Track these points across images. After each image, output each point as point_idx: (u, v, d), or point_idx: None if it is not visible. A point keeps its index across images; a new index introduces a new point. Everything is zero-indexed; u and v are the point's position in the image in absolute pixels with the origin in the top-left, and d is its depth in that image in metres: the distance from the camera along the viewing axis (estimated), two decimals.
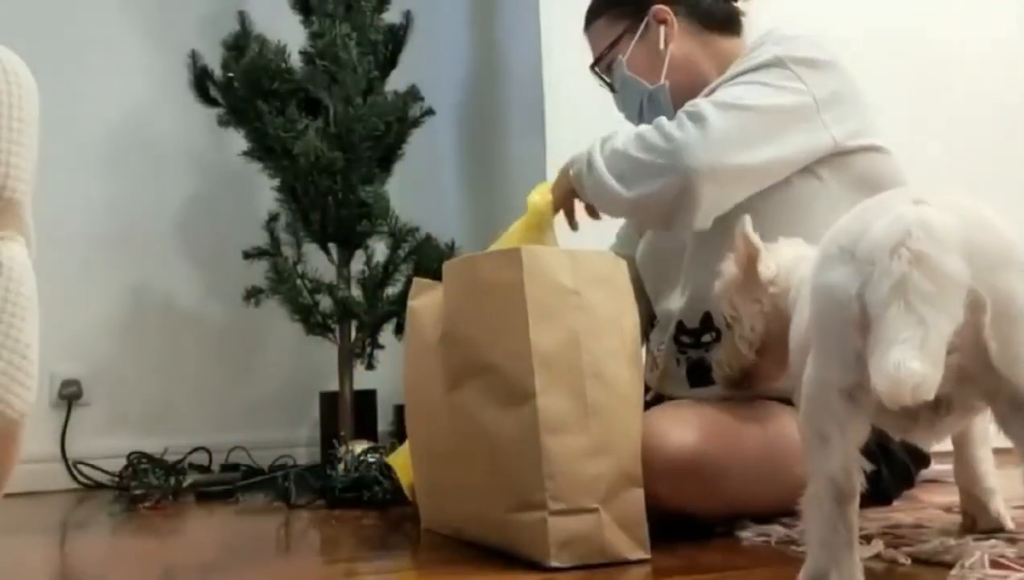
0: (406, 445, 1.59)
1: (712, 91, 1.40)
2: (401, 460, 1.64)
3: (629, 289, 1.26)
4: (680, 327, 1.49)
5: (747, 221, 1.19)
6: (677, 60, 1.53)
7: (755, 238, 1.18)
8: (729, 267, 1.22)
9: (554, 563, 1.10)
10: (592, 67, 1.62)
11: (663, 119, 1.36)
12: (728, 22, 1.57)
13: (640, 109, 1.57)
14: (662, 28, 1.53)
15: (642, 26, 1.55)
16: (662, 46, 1.53)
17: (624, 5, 1.57)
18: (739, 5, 1.59)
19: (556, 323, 1.16)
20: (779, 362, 1.20)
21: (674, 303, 1.51)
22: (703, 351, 1.47)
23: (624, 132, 1.40)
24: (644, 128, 1.37)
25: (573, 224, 1.50)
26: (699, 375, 1.48)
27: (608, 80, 1.62)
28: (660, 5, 1.54)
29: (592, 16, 1.62)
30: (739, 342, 1.23)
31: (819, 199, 1.37)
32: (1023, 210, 1.16)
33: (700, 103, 1.34)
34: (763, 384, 1.28)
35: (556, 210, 1.48)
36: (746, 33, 1.58)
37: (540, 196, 1.49)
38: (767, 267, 1.17)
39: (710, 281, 1.33)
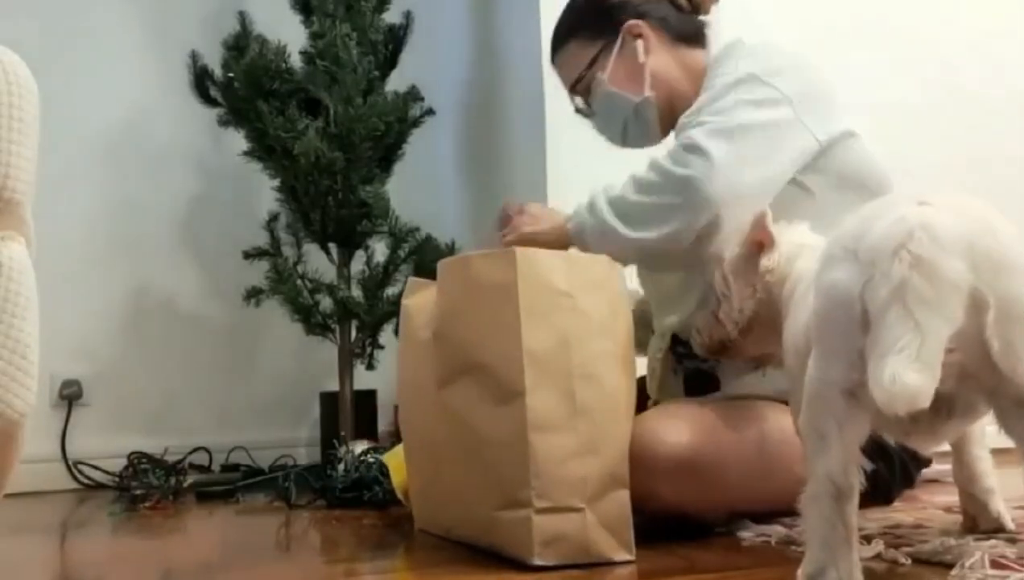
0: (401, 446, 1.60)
1: (695, 115, 1.38)
2: (396, 460, 1.64)
3: (623, 294, 1.26)
4: (676, 339, 1.50)
5: (768, 212, 1.19)
6: (658, 73, 1.53)
7: (773, 229, 1.18)
8: (731, 246, 1.23)
9: (537, 561, 1.10)
10: (571, 89, 1.60)
11: (658, 158, 1.36)
12: (695, 35, 1.58)
13: (624, 127, 1.57)
14: (639, 42, 1.53)
15: (618, 42, 1.54)
16: (642, 59, 1.53)
17: (594, 26, 1.56)
18: (704, 18, 1.59)
19: (547, 324, 1.16)
20: (758, 343, 1.22)
21: (672, 317, 1.51)
22: (699, 361, 1.48)
23: (622, 182, 1.39)
24: (638, 173, 1.37)
25: None
26: (695, 385, 1.49)
27: (586, 104, 1.61)
28: (633, 20, 1.54)
29: (560, 43, 1.60)
30: (725, 319, 1.23)
31: (804, 204, 1.37)
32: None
33: (692, 134, 1.33)
34: (738, 358, 1.30)
35: None
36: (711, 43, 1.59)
37: None
38: (770, 259, 1.17)
39: (699, 295, 1.35)
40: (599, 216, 1.38)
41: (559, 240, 1.42)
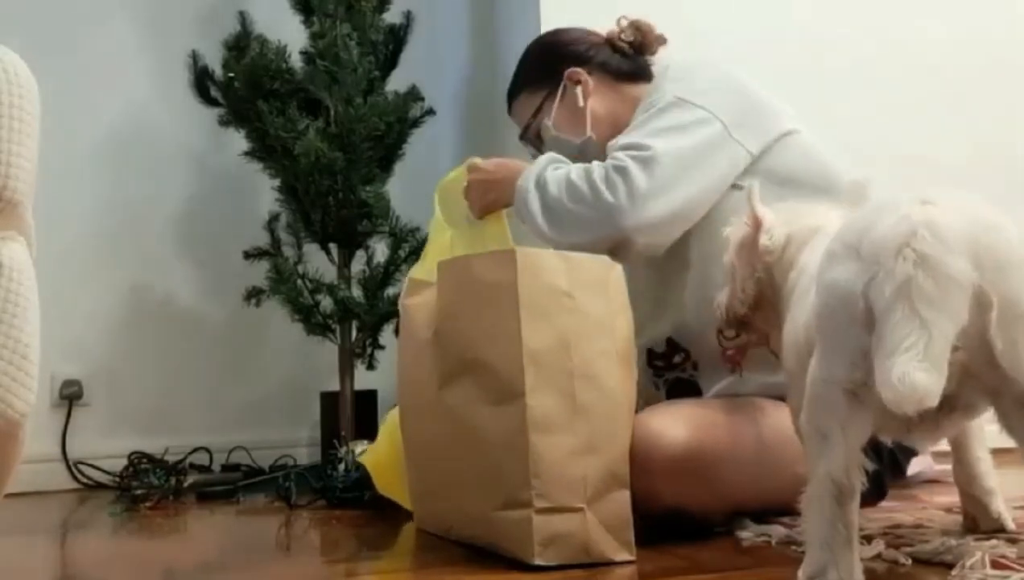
0: (375, 444, 1.61)
1: (628, 135, 1.44)
2: (372, 459, 1.65)
3: (623, 292, 1.27)
4: (651, 354, 1.52)
5: (755, 187, 1.21)
6: (598, 114, 1.61)
7: (760, 209, 1.20)
8: (740, 226, 1.24)
9: (538, 561, 1.10)
10: (522, 137, 1.69)
11: (595, 165, 1.41)
12: (639, 72, 1.64)
13: None
14: (578, 88, 1.61)
15: (560, 90, 1.62)
16: (581, 103, 1.61)
17: (540, 76, 1.66)
18: (647, 57, 1.66)
19: (547, 324, 1.16)
20: (767, 322, 1.24)
21: (643, 335, 1.53)
22: (678, 371, 1.50)
23: (561, 173, 1.44)
24: (575, 174, 1.41)
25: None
26: (678, 394, 1.50)
27: (538, 149, 1.67)
28: (572, 68, 1.62)
29: (512, 97, 1.71)
30: (732, 297, 1.25)
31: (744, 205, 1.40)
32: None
33: (622, 157, 1.39)
34: (753, 334, 1.32)
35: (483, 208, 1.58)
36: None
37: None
38: (768, 238, 1.19)
39: (667, 310, 1.45)
40: (532, 213, 1.44)
41: (508, 205, 1.53)
